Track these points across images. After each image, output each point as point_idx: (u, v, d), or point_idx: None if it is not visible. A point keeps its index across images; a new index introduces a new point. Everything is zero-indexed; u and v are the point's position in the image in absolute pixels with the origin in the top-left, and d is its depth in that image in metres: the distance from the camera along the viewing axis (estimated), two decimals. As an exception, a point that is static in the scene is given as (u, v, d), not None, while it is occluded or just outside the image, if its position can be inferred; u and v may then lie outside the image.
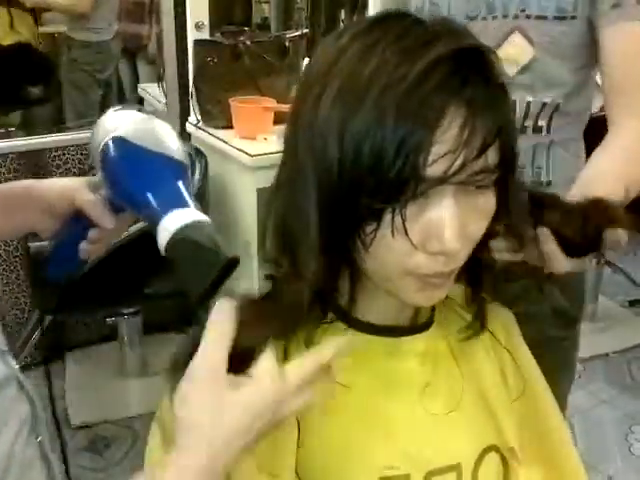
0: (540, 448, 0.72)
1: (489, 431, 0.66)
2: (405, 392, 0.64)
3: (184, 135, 2.19)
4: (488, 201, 0.56)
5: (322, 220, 0.55)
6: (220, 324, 0.51)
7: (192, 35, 2.18)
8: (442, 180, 0.51)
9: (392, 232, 0.53)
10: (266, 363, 0.51)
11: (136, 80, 3.15)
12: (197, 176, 2.00)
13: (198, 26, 2.17)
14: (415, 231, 0.53)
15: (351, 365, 0.61)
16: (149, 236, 0.62)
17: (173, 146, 0.66)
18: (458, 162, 0.51)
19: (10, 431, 0.67)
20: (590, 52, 0.99)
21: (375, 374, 0.63)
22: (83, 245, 0.74)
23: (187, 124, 2.23)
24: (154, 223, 0.62)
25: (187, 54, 2.21)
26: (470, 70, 0.52)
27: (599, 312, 2.67)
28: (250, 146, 1.94)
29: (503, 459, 0.66)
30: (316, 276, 0.55)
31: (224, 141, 2.04)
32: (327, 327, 0.62)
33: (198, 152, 2.07)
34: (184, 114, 2.29)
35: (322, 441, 0.60)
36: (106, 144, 0.65)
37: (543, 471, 0.72)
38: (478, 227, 0.56)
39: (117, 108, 0.70)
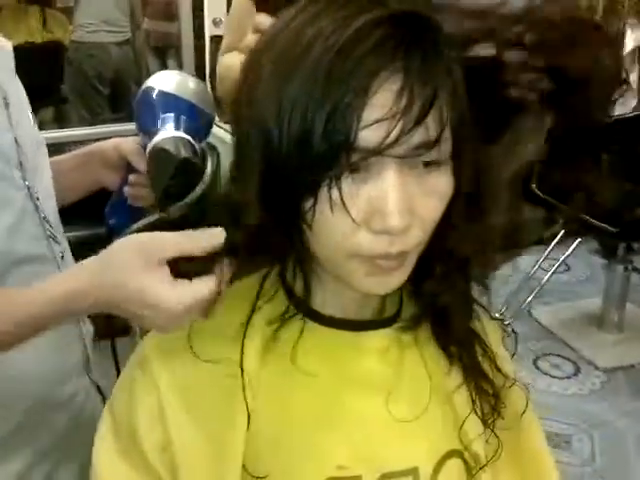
0: (513, 452, 0.67)
1: (452, 436, 0.63)
2: (365, 390, 0.61)
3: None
4: (440, 181, 0.53)
5: (265, 201, 0.53)
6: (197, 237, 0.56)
7: (209, 31, 2.20)
8: (377, 151, 0.48)
9: (330, 207, 0.50)
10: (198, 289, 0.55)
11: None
12: (209, 170, 2.02)
13: (215, 22, 2.19)
14: (357, 207, 0.50)
15: (312, 358, 0.59)
16: (163, 227, 0.70)
17: (194, 94, 0.80)
18: (394, 132, 0.48)
19: None
20: None
21: (335, 369, 0.60)
22: (126, 189, 0.85)
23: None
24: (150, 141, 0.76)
25: (205, 50, 2.23)
26: (406, 35, 0.49)
27: (626, 321, 2.56)
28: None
29: (467, 465, 0.63)
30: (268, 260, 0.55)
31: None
32: (288, 320, 0.61)
33: (211, 147, 2.08)
34: (201, 110, 2.31)
35: (274, 434, 0.58)
36: (137, 95, 0.83)
37: (515, 477, 0.68)
38: (430, 207, 0.53)
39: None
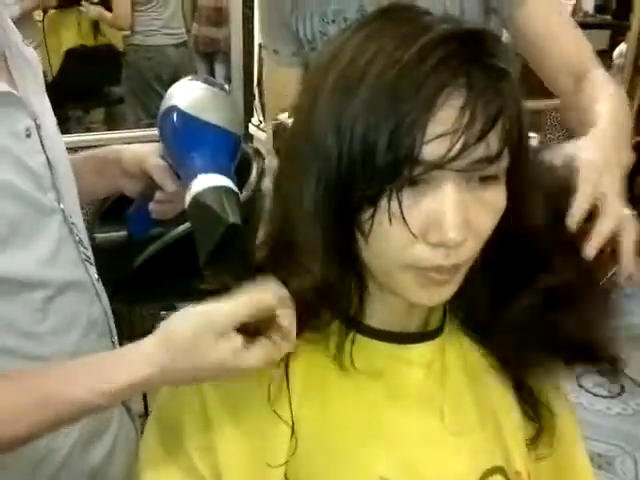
0: (557, 472, 0.67)
1: (495, 452, 0.62)
2: (409, 403, 0.61)
3: (247, 136, 2.23)
4: (496, 195, 0.53)
5: (322, 212, 0.54)
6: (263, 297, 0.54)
7: (258, 38, 2.21)
8: (439, 165, 0.49)
9: (389, 219, 0.51)
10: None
11: (212, 82, 3.24)
12: (254, 176, 2.03)
13: (265, 29, 2.20)
14: (414, 219, 0.51)
15: (356, 370, 0.60)
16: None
17: (222, 116, 0.71)
18: (457, 147, 0.49)
19: (77, 331, 0.75)
20: None
21: (380, 381, 0.61)
22: (151, 205, 0.82)
23: (250, 125, 2.26)
24: (186, 185, 0.68)
25: (253, 57, 2.25)
26: (470, 53, 0.50)
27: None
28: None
29: None
30: (320, 273, 0.54)
31: (283, 143, 2.05)
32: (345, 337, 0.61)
33: (257, 153, 2.09)
34: (248, 115, 2.33)
35: (317, 443, 0.59)
36: (161, 112, 0.73)
37: None
38: (484, 222, 0.53)
39: (187, 78, 0.76)
